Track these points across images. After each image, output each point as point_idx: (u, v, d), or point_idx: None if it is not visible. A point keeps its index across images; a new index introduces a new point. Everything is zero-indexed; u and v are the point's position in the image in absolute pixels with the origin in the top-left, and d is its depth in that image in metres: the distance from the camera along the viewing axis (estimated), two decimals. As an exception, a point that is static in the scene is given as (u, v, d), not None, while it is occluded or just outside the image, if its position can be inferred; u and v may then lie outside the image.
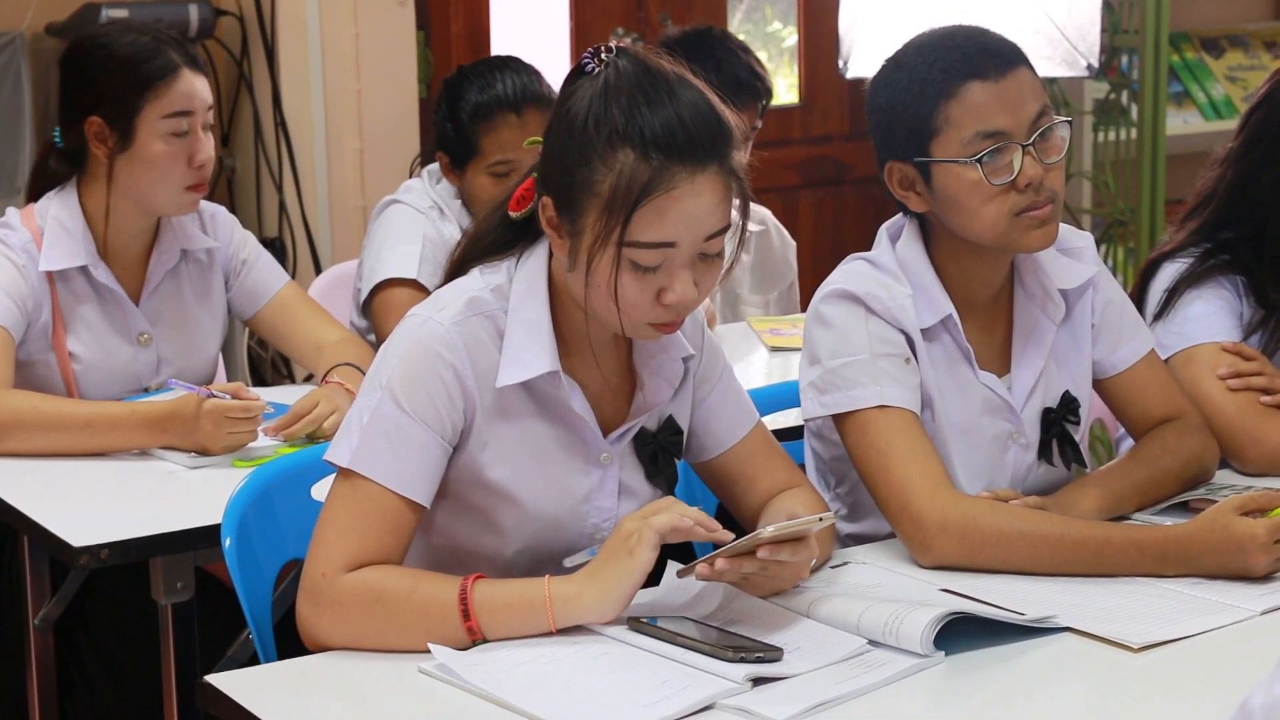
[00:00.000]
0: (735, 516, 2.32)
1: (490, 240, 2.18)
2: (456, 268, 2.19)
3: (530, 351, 2.10)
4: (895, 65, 2.37)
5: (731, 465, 2.29)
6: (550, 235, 2.08)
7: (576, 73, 2.06)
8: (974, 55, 2.30)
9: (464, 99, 3.46)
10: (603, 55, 2.03)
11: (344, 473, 2.07)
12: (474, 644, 1.98)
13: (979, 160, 2.28)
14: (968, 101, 2.29)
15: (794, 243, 4.16)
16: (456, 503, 2.15)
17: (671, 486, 2.24)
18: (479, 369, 2.09)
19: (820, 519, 2.04)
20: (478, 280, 2.14)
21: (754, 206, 4.06)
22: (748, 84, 3.86)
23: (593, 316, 2.08)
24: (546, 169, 2.07)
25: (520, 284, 2.12)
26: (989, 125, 2.29)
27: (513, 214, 2.15)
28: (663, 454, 2.22)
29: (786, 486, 2.28)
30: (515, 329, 2.10)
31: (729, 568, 2.00)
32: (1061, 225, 2.51)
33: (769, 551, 2.00)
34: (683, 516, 1.98)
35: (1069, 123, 2.34)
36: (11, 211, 3.11)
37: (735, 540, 2.00)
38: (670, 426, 2.23)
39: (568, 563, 2.13)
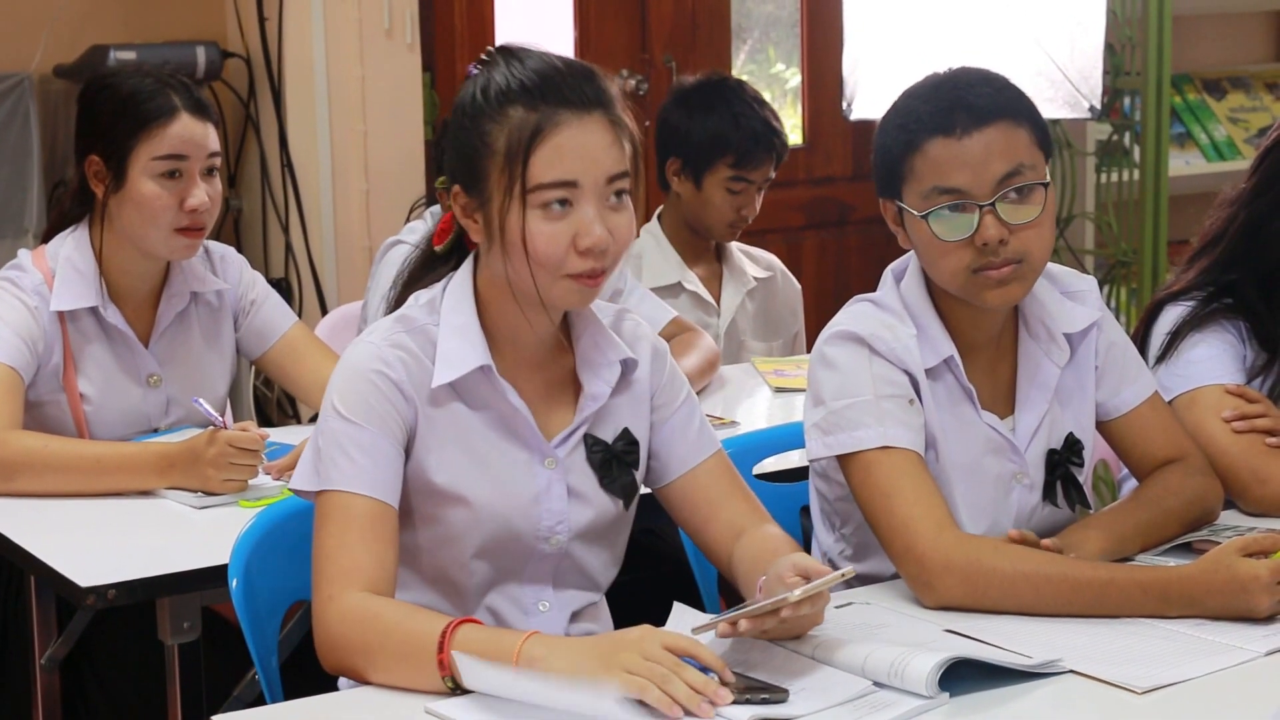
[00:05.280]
0: (697, 546, 2.31)
1: (422, 280, 2.25)
2: (393, 309, 2.25)
3: (461, 351, 2.16)
4: (892, 106, 2.40)
5: (693, 491, 2.29)
6: (467, 225, 2.16)
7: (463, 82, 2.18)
8: (944, 110, 2.31)
9: None
10: (482, 58, 2.16)
11: (316, 500, 2.12)
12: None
13: (927, 216, 2.31)
14: (929, 155, 2.31)
15: (799, 287, 4.16)
16: (414, 516, 2.19)
17: (629, 497, 2.26)
18: (414, 378, 2.15)
19: (843, 574, 2.03)
20: (409, 302, 2.22)
21: (761, 253, 4.12)
22: (764, 138, 3.91)
23: (517, 293, 2.13)
24: (448, 158, 2.17)
25: (450, 297, 2.19)
26: (945, 182, 2.30)
27: (436, 247, 2.24)
28: (617, 463, 2.25)
29: (750, 520, 2.27)
30: (447, 334, 2.17)
31: (752, 627, 2.00)
32: (1065, 269, 2.52)
33: (793, 610, 1.99)
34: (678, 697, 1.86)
35: (1045, 185, 2.32)
36: (23, 253, 3.11)
37: (755, 605, 1.99)
38: (625, 436, 2.25)
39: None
